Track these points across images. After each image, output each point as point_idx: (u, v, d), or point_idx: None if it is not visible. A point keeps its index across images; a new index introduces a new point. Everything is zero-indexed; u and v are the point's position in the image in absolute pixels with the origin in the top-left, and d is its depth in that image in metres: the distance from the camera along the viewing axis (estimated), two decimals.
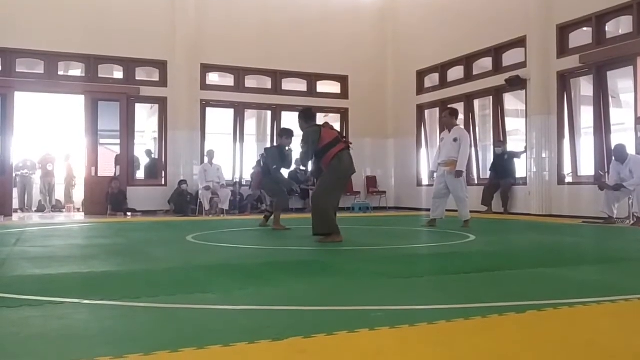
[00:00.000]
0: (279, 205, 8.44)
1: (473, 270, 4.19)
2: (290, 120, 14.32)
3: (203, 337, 2.33)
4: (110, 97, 13.01)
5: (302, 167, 10.20)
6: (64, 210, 14.11)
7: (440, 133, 8.84)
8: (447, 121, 8.58)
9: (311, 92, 14.65)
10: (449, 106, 9.27)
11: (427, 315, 2.75)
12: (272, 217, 8.44)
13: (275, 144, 11.20)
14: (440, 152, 8.59)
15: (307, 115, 6.73)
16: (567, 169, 10.88)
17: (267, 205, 9.32)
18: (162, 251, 5.73)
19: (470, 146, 9.58)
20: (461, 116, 13.42)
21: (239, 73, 14.14)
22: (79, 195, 14.52)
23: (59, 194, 14.69)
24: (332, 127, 6.66)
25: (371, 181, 15.13)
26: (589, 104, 10.66)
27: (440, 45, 13.81)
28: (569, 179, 10.81)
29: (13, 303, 3.02)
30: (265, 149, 8.95)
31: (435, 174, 8.73)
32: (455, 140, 8.26)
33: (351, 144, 6.55)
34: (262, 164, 8.71)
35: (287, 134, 8.50)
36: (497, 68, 12.36)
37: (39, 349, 2.19)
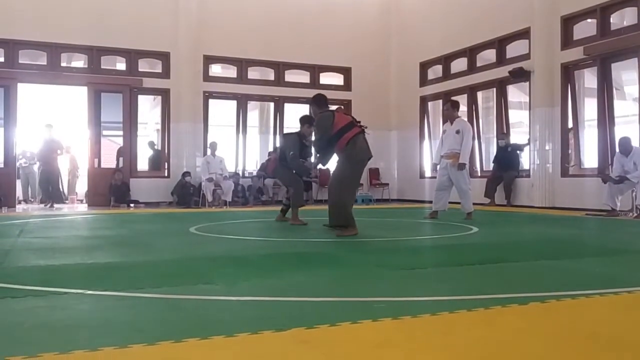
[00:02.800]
0: (295, 200, 7.72)
1: (476, 262, 4.19)
2: (293, 112, 14.36)
3: (207, 327, 2.34)
4: (113, 89, 13.00)
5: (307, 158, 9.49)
6: (67, 201, 14.13)
7: (443, 125, 8.75)
8: (449, 113, 8.49)
9: (314, 83, 14.61)
10: (450, 98, 9.20)
11: (430, 306, 2.75)
12: (290, 211, 7.80)
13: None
14: (442, 144, 8.52)
15: (319, 101, 6.53)
16: (571, 161, 10.85)
17: (284, 198, 8.57)
18: (166, 242, 5.74)
19: (473, 138, 9.55)
20: (464, 108, 13.42)
21: (242, 65, 14.11)
22: (79, 186, 14.54)
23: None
24: (345, 112, 6.38)
25: (374, 173, 15.12)
26: (593, 96, 10.62)
27: (443, 36, 13.76)
28: (572, 171, 10.80)
29: (17, 293, 3.03)
30: (284, 135, 8.25)
31: (437, 166, 8.69)
32: (457, 132, 8.20)
33: (366, 127, 6.26)
34: (278, 150, 7.99)
35: (310, 122, 7.60)
36: (501, 60, 12.31)
37: (43, 338, 2.20)
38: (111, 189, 12.44)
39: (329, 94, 14.75)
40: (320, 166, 7.26)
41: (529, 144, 11.55)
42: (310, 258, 4.59)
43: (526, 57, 11.53)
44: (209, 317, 2.57)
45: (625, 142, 8.81)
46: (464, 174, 8.30)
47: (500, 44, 12.34)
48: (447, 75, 13.94)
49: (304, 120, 7.86)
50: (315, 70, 14.76)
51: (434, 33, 14.13)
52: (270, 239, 6.20)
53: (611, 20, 10.29)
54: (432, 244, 5.73)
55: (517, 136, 12.93)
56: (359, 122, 6.28)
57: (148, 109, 16.02)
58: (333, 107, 6.68)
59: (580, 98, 10.94)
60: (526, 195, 11.39)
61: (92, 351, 1.99)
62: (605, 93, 10.21)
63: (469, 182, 8.48)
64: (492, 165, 12.44)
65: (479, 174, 12.87)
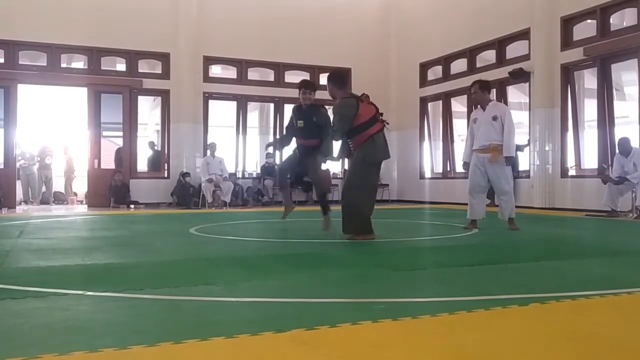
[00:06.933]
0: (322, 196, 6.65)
1: (476, 262, 4.19)
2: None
3: (206, 328, 2.34)
4: (113, 90, 13.01)
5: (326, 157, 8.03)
6: (67, 202, 14.14)
7: (473, 114, 7.13)
8: (478, 97, 6.84)
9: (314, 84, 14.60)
10: (477, 79, 7.38)
11: (430, 307, 2.75)
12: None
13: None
14: (474, 136, 6.84)
15: (338, 80, 5.64)
16: (570, 161, 10.86)
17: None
18: (166, 243, 5.74)
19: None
20: (464, 109, 13.43)
21: (242, 65, 14.12)
22: (80, 187, 14.53)
23: (59, 186, 14.70)
24: (370, 101, 5.54)
25: None
26: (593, 97, 10.62)
27: (443, 37, 13.77)
28: (572, 172, 10.80)
29: (17, 294, 3.03)
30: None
31: (468, 165, 7.00)
32: (494, 119, 6.62)
33: (388, 123, 5.65)
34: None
35: (307, 86, 6.58)
36: (501, 60, 12.32)
37: (43, 339, 2.20)
38: (111, 189, 12.45)
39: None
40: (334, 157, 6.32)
41: (528, 144, 11.55)
42: (310, 259, 4.59)
43: (526, 57, 11.54)
44: (208, 318, 2.57)
45: (625, 143, 8.82)
46: (507, 171, 6.74)
47: (500, 44, 12.35)
48: (447, 76, 13.95)
49: (299, 85, 6.73)
50: (315, 70, 14.76)
51: (434, 34, 14.13)
52: (270, 240, 6.20)
53: (611, 21, 10.29)
54: (431, 245, 5.72)
55: (517, 137, 12.88)
56: (382, 114, 5.59)
57: (148, 109, 16.02)
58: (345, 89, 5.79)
59: (580, 99, 10.95)
60: (526, 195, 11.40)
61: (92, 352, 1.99)
62: (605, 94, 10.21)
63: (512, 181, 7.00)
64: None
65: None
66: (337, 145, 5.94)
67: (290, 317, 2.55)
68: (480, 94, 6.81)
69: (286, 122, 14.39)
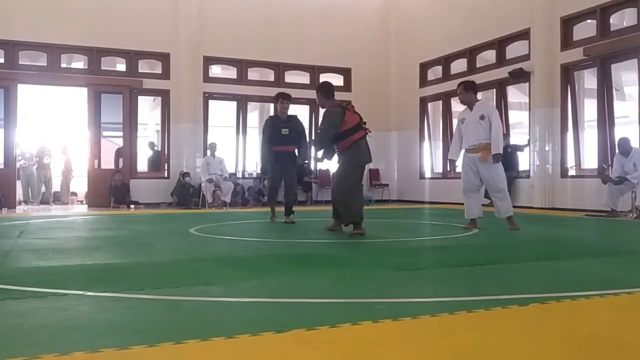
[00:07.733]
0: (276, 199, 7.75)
1: (476, 263, 4.19)
2: (293, 112, 14.35)
3: (207, 328, 2.34)
4: (113, 90, 13.01)
5: (305, 161, 8.83)
6: (66, 202, 14.14)
7: (460, 114, 7.22)
8: (464, 97, 6.91)
9: (314, 84, 14.53)
10: (463, 80, 7.45)
11: (430, 307, 2.75)
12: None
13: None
14: (463, 136, 6.91)
15: (326, 90, 6.33)
16: (570, 161, 10.86)
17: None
18: (166, 243, 5.73)
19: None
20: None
21: (242, 65, 14.12)
22: (79, 187, 14.54)
23: (59, 186, 14.69)
24: (355, 110, 6.23)
25: (374, 174, 15.13)
26: (593, 97, 10.62)
27: (443, 37, 13.77)
28: (572, 172, 10.80)
29: (17, 294, 3.03)
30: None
31: (456, 164, 7.09)
32: (482, 118, 6.68)
33: (370, 131, 6.22)
34: None
35: (284, 97, 7.78)
36: (501, 60, 12.32)
37: (44, 339, 2.20)
38: (111, 189, 12.45)
39: None
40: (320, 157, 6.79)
41: (528, 144, 11.56)
42: (310, 259, 4.59)
43: (526, 57, 11.54)
44: (209, 318, 2.57)
45: (625, 143, 8.82)
46: (499, 169, 6.69)
47: (500, 44, 12.35)
48: (447, 76, 13.95)
49: (277, 96, 7.88)
50: (315, 71, 14.76)
51: (434, 34, 14.14)
52: (271, 240, 6.20)
53: (611, 21, 10.29)
54: (431, 245, 5.72)
55: (517, 137, 12.93)
56: (365, 122, 6.22)
57: (148, 109, 16.02)
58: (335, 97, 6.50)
59: (580, 99, 10.95)
60: (526, 196, 11.40)
61: (92, 352, 2.00)
62: (605, 94, 10.21)
63: (505, 178, 6.85)
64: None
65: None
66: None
67: (290, 317, 2.56)
68: (465, 95, 6.91)
69: None
